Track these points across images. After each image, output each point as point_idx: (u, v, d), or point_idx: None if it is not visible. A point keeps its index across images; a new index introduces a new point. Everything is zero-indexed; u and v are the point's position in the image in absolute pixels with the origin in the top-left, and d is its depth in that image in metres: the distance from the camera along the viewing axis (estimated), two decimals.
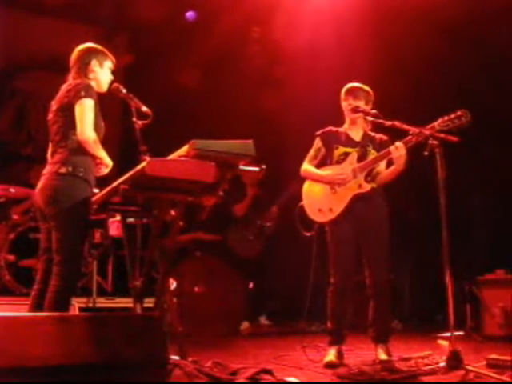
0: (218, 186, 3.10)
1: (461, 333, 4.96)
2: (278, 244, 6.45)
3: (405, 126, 3.63)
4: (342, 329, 3.87)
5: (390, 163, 3.82)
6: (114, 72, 3.53)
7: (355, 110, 3.86)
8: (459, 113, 3.44)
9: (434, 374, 3.18)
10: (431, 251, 4.39)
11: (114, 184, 3.13)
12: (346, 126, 4.00)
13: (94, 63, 3.38)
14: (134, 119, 3.38)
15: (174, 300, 3.60)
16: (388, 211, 3.92)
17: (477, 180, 6.44)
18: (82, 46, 3.44)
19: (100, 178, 3.41)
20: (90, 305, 5.42)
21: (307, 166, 3.99)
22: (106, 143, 3.34)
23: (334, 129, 4.00)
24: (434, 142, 3.40)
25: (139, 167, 2.88)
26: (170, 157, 3.06)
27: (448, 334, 3.32)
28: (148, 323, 2.71)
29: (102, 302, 5.57)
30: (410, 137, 3.64)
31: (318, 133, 4.02)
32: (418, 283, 6.94)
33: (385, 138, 3.96)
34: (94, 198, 3.35)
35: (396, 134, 3.77)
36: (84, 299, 5.39)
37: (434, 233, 3.55)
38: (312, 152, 4.02)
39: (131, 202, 3.31)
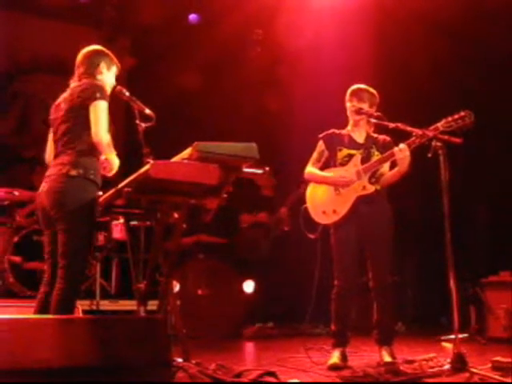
0: (222, 188, 3.10)
1: (465, 335, 4.94)
2: (283, 246, 6.45)
3: (408, 128, 3.62)
4: (346, 331, 3.86)
5: (393, 165, 3.82)
6: (117, 75, 3.53)
7: (358, 111, 3.86)
8: (463, 113, 3.43)
9: (439, 376, 3.17)
10: (435, 253, 4.38)
11: (118, 186, 3.13)
12: (349, 127, 4.00)
13: (102, 65, 3.38)
14: (138, 122, 3.38)
15: (178, 302, 3.60)
16: (392, 213, 3.91)
17: (480, 181, 6.42)
18: (90, 48, 3.43)
19: (103, 180, 3.40)
20: (94, 307, 5.43)
21: (311, 169, 3.99)
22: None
23: (337, 131, 3.99)
24: (438, 144, 3.40)
25: (143, 170, 2.89)
26: (174, 159, 3.06)
27: (452, 337, 3.31)
28: (151, 325, 2.71)
29: (106, 305, 5.58)
30: (413, 138, 3.63)
31: (320, 135, 4.02)
32: (421, 285, 6.93)
33: (388, 139, 3.95)
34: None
35: (399, 136, 3.76)
36: (87, 302, 5.40)
37: (438, 235, 3.54)
38: (315, 155, 4.02)
39: (135, 205, 3.31)
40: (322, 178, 3.93)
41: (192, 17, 7.22)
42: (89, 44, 3.50)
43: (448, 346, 4.53)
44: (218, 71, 7.02)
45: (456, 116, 3.45)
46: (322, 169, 3.99)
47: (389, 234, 3.87)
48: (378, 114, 3.82)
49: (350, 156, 3.88)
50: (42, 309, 3.18)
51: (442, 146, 3.38)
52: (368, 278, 3.88)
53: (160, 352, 2.63)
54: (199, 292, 5.76)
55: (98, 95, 3.16)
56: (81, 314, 4.52)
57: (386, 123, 3.75)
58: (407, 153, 3.64)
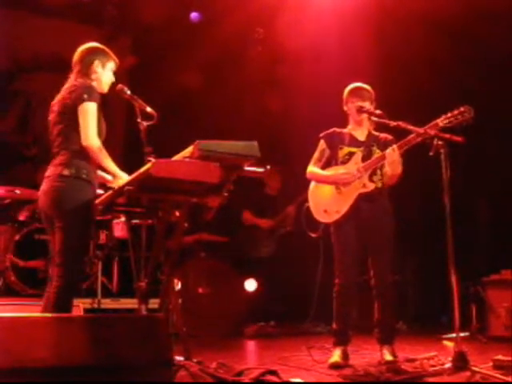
0: (223, 186, 3.10)
1: (466, 334, 4.94)
2: (285, 245, 6.45)
3: (409, 127, 3.62)
4: (348, 329, 3.86)
5: None
6: (117, 73, 3.52)
7: (361, 110, 3.86)
8: (462, 109, 3.43)
9: (440, 375, 3.18)
10: (436, 252, 4.38)
11: (119, 185, 3.13)
12: (350, 126, 3.99)
13: (96, 64, 3.36)
14: (139, 120, 3.38)
15: (179, 301, 3.60)
16: (393, 211, 3.91)
17: (482, 180, 6.42)
18: (84, 46, 3.42)
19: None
20: (95, 306, 5.43)
21: (312, 168, 3.99)
22: (109, 144, 3.33)
23: (338, 130, 3.99)
24: (439, 143, 3.40)
25: (144, 168, 2.89)
26: (175, 158, 3.06)
27: (453, 335, 3.31)
28: (153, 324, 2.71)
29: (107, 303, 5.58)
30: (406, 139, 3.63)
31: (321, 135, 4.02)
32: (422, 284, 6.92)
33: (390, 137, 3.95)
34: (99, 200, 3.35)
35: (400, 135, 3.76)
36: (89, 300, 5.40)
37: (439, 233, 3.54)
38: (317, 154, 4.02)
39: (136, 204, 3.31)
40: (324, 177, 3.93)
41: (193, 15, 7.22)
42: (90, 42, 3.49)
43: (449, 344, 4.53)
44: (219, 70, 7.02)
45: (455, 112, 3.44)
46: (323, 168, 3.99)
47: (390, 232, 3.87)
48: (380, 112, 3.81)
49: (351, 154, 3.88)
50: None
51: (443, 144, 3.38)
52: (369, 276, 3.88)
53: (161, 351, 2.63)
54: (200, 290, 5.76)
55: (85, 97, 3.17)
56: (82, 313, 4.53)
57: (386, 121, 3.74)
58: (395, 157, 3.65)
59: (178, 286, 5.41)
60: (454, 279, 3.26)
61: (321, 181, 3.96)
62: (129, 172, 3.20)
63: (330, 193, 3.88)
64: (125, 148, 6.81)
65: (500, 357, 3.41)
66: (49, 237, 3.35)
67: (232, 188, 3.14)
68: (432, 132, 3.49)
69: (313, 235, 3.89)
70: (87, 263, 5.27)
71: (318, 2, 6.57)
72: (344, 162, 3.88)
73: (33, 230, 5.57)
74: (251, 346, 5.31)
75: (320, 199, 3.93)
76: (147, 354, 2.58)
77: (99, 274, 5.62)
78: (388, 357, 3.70)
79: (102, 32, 6.97)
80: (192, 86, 6.81)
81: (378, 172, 3.85)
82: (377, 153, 3.86)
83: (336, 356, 3.74)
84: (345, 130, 3.98)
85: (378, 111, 3.84)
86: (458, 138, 3.45)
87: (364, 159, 3.83)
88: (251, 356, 4.68)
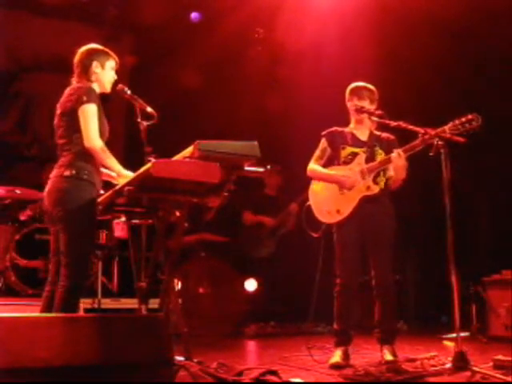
0: (223, 186, 3.10)
1: (466, 334, 4.94)
2: (286, 245, 6.45)
3: (410, 127, 3.61)
4: (348, 330, 3.86)
5: None
6: (118, 73, 3.52)
7: (360, 110, 3.85)
8: (470, 117, 3.40)
9: (440, 375, 3.17)
10: (437, 252, 4.39)
11: (119, 185, 3.14)
12: (351, 125, 3.99)
13: (95, 65, 3.36)
14: (139, 120, 3.38)
15: (179, 301, 3.60)
16: (394, 212, 3.91)
17: (482, 180, 6.42)
18: (83, 48, 3.42)
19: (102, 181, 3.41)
20: (95, 306, 5.43)
21: (314, 166, 3.98)
22: (110, 144, 3.33)
23: (340, 129, 3.99)
24: (440, 143, 3.40)
25: (144, 168, 2.89)
26: (175, 158, 3.06)
27: (454, 335, 3.31)
28: (153, 324, 2.71)
29: (107, 303, 5.58)
30: (413, 143, 3.62)
31: (323, 133, 4.01)
32: (423, 284, 6.93)
33: (392, 137, 3.95)
34: (99, 199, 3.35)
35: (402, 135, 3.76)
36: (89, 300, 5.40)
37: (440, 233, 3.54)
38: (318, 152, 4.01)
39: (136, 204, 3.31)
40: (326, 176, 3.92)
41: (193, 15, 7.22)
42: (91, 43, 3.50)
43: (449, 344, 4.54)
44: (219, 70, 7.02)
45: (463, 119, 3.41)
46: (324, 166, 3.98)
47: (391, 232, 3.87)
48: (380, 112, 3.81)
49: (354, 154, 3.87)
50: (48, 307, 3.20)
51: (444, 144, 3.38)
52: (370, 276, 3.88)
53: (161, 351, 2.63)
54: (201, 290, 5.76)
55: (84, 98, 3.19)
56: (82, 313, 4.53)
57: (387, 121, 3.74)
58: (402, 162, 3.66)
59: (179, 285, 5.42)
60: (454, 279, 3.26)
61: (322, 179, 3.95)
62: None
63: (332, 193, 3.86)
64: (125, 148, 6.82)
65: (500, 357, 3.41)
66: (50, 237, 3.35)
67: (232, 188, 3.14)
68: (432, 132, 3.49)
69: (314, 235, 3.87)
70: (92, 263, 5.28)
71: (318, 2, 6.57)
72: (346, 162, 3.87)
73: (33, 230, 5.58)
74: (251, 346, 5.31)
75: (322, 199, 3.92)
76: (147, 354, 2.58)
77: (99, 273, 5.62)
78: (389, 357, 3.70)
79: (102, 32, 6.98)
80: (192, 85, 6.81)
81: (381, 173, 3.85)
82: (379, 153, 3.86)
83: (337, 356, 3.73)
84: (346, 130, 3.98)
85: (378, 111, 3.83)
86: (459, 139, 3.45)
87: (367, 160, 3.83)
88: (251, 356, 4.68)
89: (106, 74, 3.41)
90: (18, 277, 5.43)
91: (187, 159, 2.94)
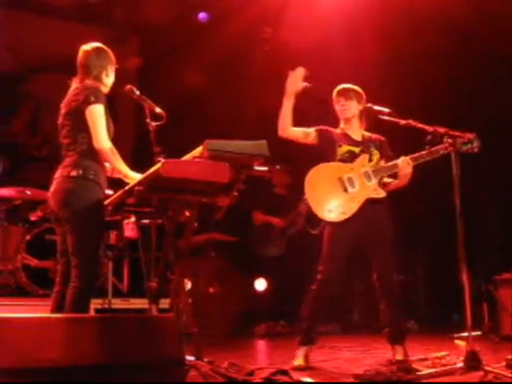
0: (233, 186, 3.09)
1: (478, 333, 4.91)
2: (295, 244, 6.44)
3: (419, 125, 3.60)
4: (316, 329, 3.81)
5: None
6: (125, 74, 3.51)
7: (369, 109, 3.82)
8: (471, 136, 3.47)
9: (452, 374, 3.15)
10: (448, 251, 4.36)
11: (129, 185, 3.14)
12: (341, 126, 3.95)
13: (102, 66, 3.35)
14: (148, 121, 3.38)
15: (189, 300, 3.59)
16: (392, 211, 3.88)
17: (492, 179, 6.39)
18: (88, 47, 3.39)
19: (114, 179, 3.41)
20: (106, 306, 5.44)
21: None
22: (118, 145, 3.33)
23: (332, 129, 3.95)
24: (449, 141, 3.38)
25: (154, 168, 2.89)
26: (184, 158, 3.06)
27: (465, 334, 3.29)
28: (163, 324, 2.71)
29: (118, 303, 5.59)
30: (420, 153, 3.64)
31: (317, 128, 3.93)
32: (434, 283, 6.90)
33: (383, 138, 3.95)
34: (108, 200, 3.36)
35: (410, 135, 3.74)
36: (99, 300, 5.42)
37: (450, 232, 3.52)
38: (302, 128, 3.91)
39: (146, 204, 3.32)
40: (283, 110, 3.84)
41: (201, 15, 7.22)
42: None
43: (461, 343, 4.51)
44: (226, 69, 7.02)
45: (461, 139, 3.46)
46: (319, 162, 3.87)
47: (392, 233, 3.83)
48: (389, 110, 3.79)
49: (351, 152, 3.83)
50: (57, 308, 3.20)
51: (452, 142, 3.36)
52: (373, 278, 3.84)
53: (172, 350, 2.63)
54: (211, 290, 5.77)
55: (92, 99, 3.16)
56: (93, 313, 4.54)
57: (396, 120, 3.72)
58: (410, 169, 3.66)
59: (189, 285, 5.42)
60: (465, 278, 3.24)
61: (280, 114, 3.86)
62: (138, 172, 3.20)
63: (334, 191, 3.74)
64: (134, 148, 6.83)
65: None
66: (57, 237, 3.35)
67: (242, 187, 3.13)
68: (442, 130, 3.47)
69: (313, 232, 3.80)
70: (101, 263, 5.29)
71: (324, 2, 6.55)
72: (344, 160, 3.81)
73: (43, 231, 5.60)
74: (262, 345, 5.31)
75: (322, 195, 3.75)
76: (158, 354, 2.58)
77: (109, 274, 5.63)
78: (399, 356, 3.67)
79: (109, 33, 7.00)
80: (199, 85, 6.81)
81: (383, 180, 3.84)
82: (375, 153, 3.84)
83: (300, 358, 3.67)
84: (337, 130, 3.94)
85: (387, 109, 3.81)
86: (469, 135, 3.45)
87: (369, 161, 3.81)
88: (262, 355, 4.67)
89: (110, 77, 3.40)
90: (28, 277, 5.46)
91: (197, 159, 2.94)
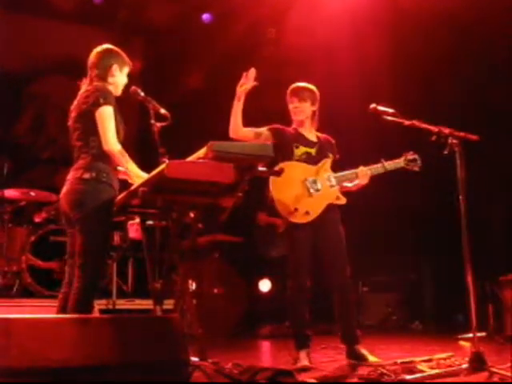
0: (237, 187, 3.09)
1: (483, 334, 4.89)
2: None
3: (424, 126, 3.59)
4: (306, 331, 3.81)
5: None
6: (129, 75, 3.52)
7: (375, 111, 3.80)
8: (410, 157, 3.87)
9: (457, 375, 3.14)
10: (452, 251, 4.35)
11: (133, 186, 3.15)
12: (294, 126, 3.94)
13: (114, 67, 3.36)
14: (153, 121, 3.38)
15: (194, 301, 3.60)
16: (340, 216, 3.92)
17: (497, 179, 6.37)
18: (100, 48, 3.40)
19: (119, 180, 3.42)
20: (110, 306, 5.46)
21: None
22: (123, 146, 3.34)
23: (285, 127, 3.92)
24: (454, 141, 3.38)
25: (158, 169, 2.89)
26: (189, 159, 3.06)
27: (470, 335, 3.28)
28: (168, 325, 2.72)
29: (122, 304, 5.61)
30: (376, 166, 3.86)
31: (269, 127, 3.90)
32: (439, 284, 6.88)
33: (332, 140, 3.99)
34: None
35: (413, 134, 3.73)
36: (104, 301, 5.43)
37: (455, 232, 3.51)
38: (254, 129, 3.89)
39: (150, 205, 3.32)
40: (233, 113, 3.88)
41: (205, 16, 7.23)
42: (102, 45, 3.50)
43: (466, 344, 4.50)
44: (230, 71, 7.00)
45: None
46: (277, 162, 3.75)
47: (342, 232, 3.87)
48: (393, 111, 3.78)
49: (308, 154, 3.84)
50: (63, 309, 3.20)
51: (458, 143, 3.36)
52: (327, 278, 3.86)
53: (176, 351, 2.64)
54: (215, 291, 5.77)
55: (101, 101, 3.17)
56: (97, 314, 4.55)
57: (401, 120, 3.72)
58: (367, 180, 3.84)
59: (193, 286, 5.43)
60: (470, 278, 3.24)
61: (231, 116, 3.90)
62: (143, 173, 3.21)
63: (299, 193, 3.75)
64: (138, 149, 6.84)
65: None
66: (67, 238, 3.36)
67: (247, 189, 3.13)
68: (446, 131, 3.47)
69: (273, 255, 3.86)
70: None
71: (329, 2, 6.55)
72: (301, 161, 3.82)
73: (48, 232, 5.62)
74: (266, 346, 5.31)
75: (288, 197, 3.75)
76: (163, 355, 2.59)
77: (114, 274, 5.65)
78: (370, 357, 3.69)
79: (114, 34, 7.01)
80: (204, 87, 6.82)
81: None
82: (330, 156, 3.88)
83: (304, 360, 3.68)
84: (290, 129, 3.92)
85: (391, 110, 3.80)
86: (473, 137, 3.44)
87: (316, 162, 3.83)
88: (266, 356, 4.67)
89: (122, 78, 3.41)
90: (33, 278, 5.47)
91: (201, 160, 2.94)
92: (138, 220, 4.01)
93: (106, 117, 3.17)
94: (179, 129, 4.24)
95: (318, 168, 3.82)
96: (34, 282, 5.44)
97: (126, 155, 3.22)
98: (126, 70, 3.44)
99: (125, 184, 3.38)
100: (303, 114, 3.89)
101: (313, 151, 3.85)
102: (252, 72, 3.72)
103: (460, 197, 3.31)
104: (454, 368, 3.28)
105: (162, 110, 3.41)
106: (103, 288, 5.53)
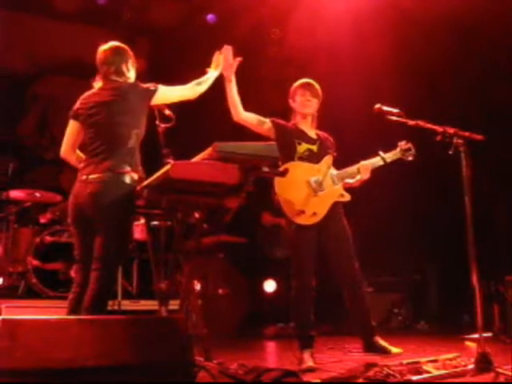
0: (242, 188, 3.09)
1: (489, 334, 4.87)
2: None
3: (428, 126, 3.58)
4: (311, 331, 3.80)
5: None
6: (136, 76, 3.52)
7: (379, 111, 3.79)
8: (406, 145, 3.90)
9: (463, 376, 3.13)
10: (458, 251, 4.34)
11: (138, 187, 3.15)
12: (295, 121, 3.93)
13: (131, 62, 3.38)
14: (157, 122, 3.39)
15: (199, 302, 3.60)
16: (344, 213, 3.93)
17: (501, 178, 6.35)
18: (113, 44, 3.39)
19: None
20: (116, 307, 5.46)
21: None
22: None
23: (285, 123, 3.90)
24: (459, 141, 3.37)
25: (163, 170, 2.89)
26: (194, 159, 3.06)
27: (476, 336, 3.27)
28: (173, 325, 2.72)
29: (127, 305, 5.61)
30: (376, 159, 3.89)
31: (272, 119, 3.87)
32: (444, 284, 6.87)
33: (331, 138, 4.00)
34: None
35: (415, 134, 3.73)
36: (109, 302, 5.41)
37: (461, 232, 3.50)
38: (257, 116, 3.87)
39: (155, 205, 3.32)
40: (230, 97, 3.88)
41: (209, 17, 7.24)
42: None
43: (472, 345, 4.48)
44: (236, 70, 7.01)
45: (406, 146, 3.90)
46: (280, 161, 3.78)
47: (348, 228, 3.87)
48: (398, 111, 3.77)
49: (310, 151, 3.83)
50: (74, 309, 3.20)
51: (463, 143, 3.35)
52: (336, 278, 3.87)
53: (182, 352, 2.64)
54: (220, 291, 5.77)
55: (151, 86, 3.27)
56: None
57: (405, 120, 3.70)
58: (368, 175, 3.85)
59: (198, 287, 5.43)
60: (476, 278, 3.22)
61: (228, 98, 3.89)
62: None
63: (305, 194, 3.74)
64: (144, 150, 6.84)
65: None
66: (74, 240, 3.31)
67: (252, 189, 3.13)
68: (451, 130, 3.46)
69: (278, 256, 3.84)
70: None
71: (332, 3, 6.54)
72: (304, 159, 3.80)
73: (53, 233, 5.62)
74: (271, 347, 5.30)
75: (293, 199, 3.73)
76: (168, 355, 2.59)
77: (119, 275, 5.64)
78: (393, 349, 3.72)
79: (118, 35, 7.02)
80: (208, 87, 6.80)
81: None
82: (329, 153, 3.87)
83: (308, 361, 3.67)
84: (290, 125, 3.91)
85: (396, 110, 3.79)
86: (478, 136, 3.43)
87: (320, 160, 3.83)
88: (271, 357, 4.66)
89: (133, 75, 3.42)
90: (38, 279, 5.48)
91: (206, 161, 2.94)
92: (142, 221, 4.01)
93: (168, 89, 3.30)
94: (184, 129, 4.24)
95: (320, 166, 3.82)
96: (39, 283, 5.45)
97: None
98: (135, 66, 3.45)
99: None
100: (312, 108, 3.90)
101: (314, 148, 3.85)
102: (227, 49, 3.68)
103: (465, 196, 3.30)
104: (459, 369, 3.26)
105: (167, 111, 3.42)
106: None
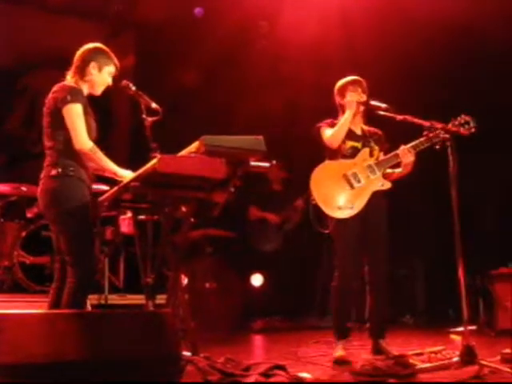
0: (229, 182, 3.09)
1: (474, 327, 4.93)
2: (292, 239, 6.44)
3: (416, 120, 3.61)
4: (347, 323, 3.85)
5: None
6: (121, 70, 3.48)
7: (366, 103, 3.82)
8: (466, 118, 3.49)
9: (448, 368, 3.16)
10: (444, 245, 4.37)
11: (125, 181, 3.13)
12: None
13: (92, 65, 3.30)
14: (144, 116, 3.37)
15: (186, 296, 3.60)
16: (387, 204, 3.90)
17: (489, 173, 6.39)
18: (86, 46, 3.37)
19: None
20: (102, 302, 5.44)
21: (329, 131, 3.83)
22: (115, 141, 3.32)
23: (333, 121, 3.92)
24: (446, 136, 3.39)
25: (150, 164, 2.89)
26: (181, 153, 3.06)
27: (461, 329, 3.30)
28: (160, 320, 2.71)
29: (114, 299, 5.59)
30: (419, 140, 3.65)
31: (322, 123, 3.90)
32: (430, 278, 6.91)
33: (380, 132, 3.97)
34: (104, 196, 3.35)
35: (406, 130, 3.74)
36: (96, 296, 5.41)
37: (447, 226, 3.52)
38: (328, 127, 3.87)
39: (142, 199, 3.31)
40: (343, 121, 3.77)
41: (197, 10, 7.20)
42: (94, 39, 3.47)
43: (457, 338, 4.53)
44: (223, 65, 7.00)
45: (461, 120, 3.50)
46: (325, 159, 3.90)
47: (386, 224, 3.87)
48: (386, 105, 3.78)
49: (354, 148, 3.83)
50: (54, 304, 3.20)
51: (449, 137, 3.37)
52: (364, 271, 3.87)
53: (169, 346, 2.63)
54: (207, 286, 5.77)
55: (68, 98, 3.15)
56: (89, 308, 4.54)
57: (393, 115, 3.72)
58: (412, 158, 3.70)
59: (185, 281, 5.42)
60: (461, 272, 3.25)
61: (342, 127, 3.78)
62: (134, 168, 3.19)
63: (340, 189, 3.75)
64: (130, 144, 6.81)
65: (508, 350, 3.39)
66: (53, 234, 3.33)
67: (239, 184, 3.13)
68: (439, 125, 3.48)
69: (323, 231, 3.80)
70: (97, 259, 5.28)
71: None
72: (346, 156, 3.82)
73: (40, 227, 5.59)
74: (258, 340, 5.32)
75: (330, 194, 3.76)
76: (155, 350, 2.59)
77: (106, 269, 5.63)
78: (379, 351, 3.72)
79: (106, 28, 6.98)
80: (196, 81, 6.79)
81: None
82: (376, 149, 3.85)
83: (339, 350, 3.72)
84: (336, 123, 3.91)
85: (384, 105, 3.81)
86: (465, 132, 3.46)
87: (371, 155, 3.82)
88: (259, 351, 4.68)
89: (100, 77, 3.34)
90: (24, 273, 5.45)
91: (193, 154, 2.93)
92: (129, 214, 4.00)
93: (74, 114, 3.13)
94: (171, 123, 4.23)
95: (356, 160, 3.80)
96: (25, 277, 5.42)
97: (99, 152, 3.17)
98: (109, 70, 3.37)
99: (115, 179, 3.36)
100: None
101: (359, 145, 3.84)
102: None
103: (452, 191, 3.32)
104: (445, 361, 3.30)
105: (154, 105, 3.40)
106: (95, 283, 5.51)
